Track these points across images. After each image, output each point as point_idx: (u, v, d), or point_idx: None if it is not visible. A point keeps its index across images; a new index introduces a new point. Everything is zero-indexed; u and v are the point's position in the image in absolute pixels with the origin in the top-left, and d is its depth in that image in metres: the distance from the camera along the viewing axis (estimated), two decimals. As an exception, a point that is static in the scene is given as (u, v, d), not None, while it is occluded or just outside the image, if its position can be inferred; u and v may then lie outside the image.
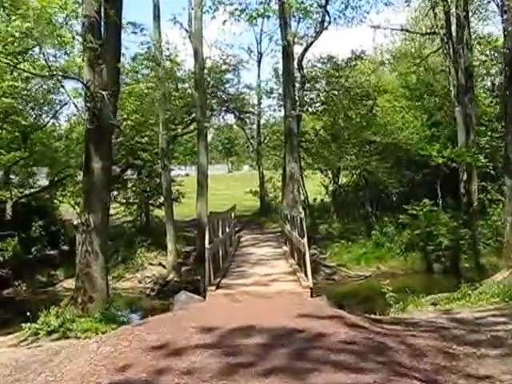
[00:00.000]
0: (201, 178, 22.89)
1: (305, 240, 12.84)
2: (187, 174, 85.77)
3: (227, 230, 19.18)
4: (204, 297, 11.92)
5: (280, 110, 29.04)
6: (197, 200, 22.96)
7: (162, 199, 27.24)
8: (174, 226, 23.85)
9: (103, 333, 10.71)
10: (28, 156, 22.88)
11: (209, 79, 27.91)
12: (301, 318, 8.73)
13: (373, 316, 10.85)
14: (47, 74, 13.97)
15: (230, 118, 38.05)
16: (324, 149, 28.53)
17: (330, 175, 30.22)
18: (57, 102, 24.49)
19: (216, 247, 14.33)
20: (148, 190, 26.51)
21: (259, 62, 35.15)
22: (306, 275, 12.59)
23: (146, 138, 23.36)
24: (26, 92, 22.87)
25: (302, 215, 13.93)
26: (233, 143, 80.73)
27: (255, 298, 11.12)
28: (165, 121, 22.85)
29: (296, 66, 24.48)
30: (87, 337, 10.80)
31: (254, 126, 35.83)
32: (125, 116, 22.00)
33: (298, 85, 25.40)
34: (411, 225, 23.85)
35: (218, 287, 12.22)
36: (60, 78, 14.76)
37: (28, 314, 11.68)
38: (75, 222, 13.73)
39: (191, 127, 28.07)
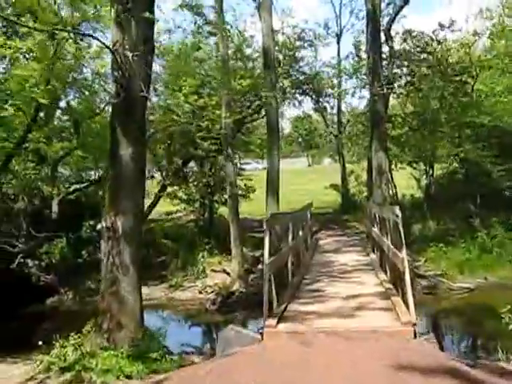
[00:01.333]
0: (270, 172, 19.52)
1: (404, 254, 9.18)
2: (265, 168, 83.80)
3: (301, 232, 15.72)
4: (261, 334, 8.44)
5: (363, 93, 25.11)
6: (266, 198, 19.59)
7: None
8: (242, 226, 20.59)
9: (127, 376, 8.62)
10: (78, 147, 20.13)
11: (280, 57, 24.34)
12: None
13: (502, 365, 7.86)
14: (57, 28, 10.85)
15: (307, 104, 34.40)
16: (415, 136, 24.45)
17: (422, 166, 26.05)
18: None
19: (281, 260, 10.93)
20: (212, 184, 23.27)
21: (338, 39, 31.32)
22: (405, 303, 8.92)
23: (205, 123, 20.17)
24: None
25: (399, 218, 10.17)
26: (313, 134, 76.72)
27: (336, 343, 7.58)
28: (227, 103, 19.58)
29: (383, 37, 20.62)
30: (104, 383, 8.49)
31: (335, 111, 31.89)
32: (182, 98, 18.80)
33: (384, 62, 21.45)
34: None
35: (280, 319, 8.75)
36: (77, 35, 11.61)
37: (40, 342, 9.93)
38: (98, 227, 10.51)
39: (263, 113, 24.70)
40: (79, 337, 9.87)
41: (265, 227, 9.45)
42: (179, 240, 23.44)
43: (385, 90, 19.47)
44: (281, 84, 24.54)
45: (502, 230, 20.70)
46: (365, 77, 23.79)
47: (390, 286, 10.91)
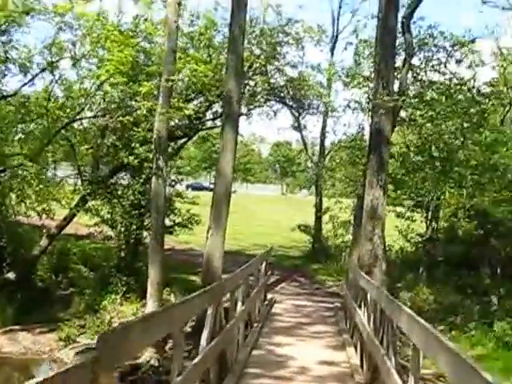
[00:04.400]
0: (218, 195, 13.60)
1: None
2: (234, 191, 77.65)
3: (253, 293, 9.95)
4: None
5: (357, 109, 18.76)
6: (208, 230, 13.62)
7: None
8: (176, 261, 14.68)
9: None
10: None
11: (257, 51, 18.24)
12: None
13: None
14: None
15: (285, 119, 28.29)
16: (416, 176, 18.65)
17: (424, 214, 20.16)
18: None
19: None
20: (143, 204, 16.98)
21: (334, 43, 25.28)
22: None
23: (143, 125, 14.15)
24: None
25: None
26: (291, 162, 70.87)
27: None
28: (166, 93, 13.64)
29: (400, 28, 14.59)
30: None
31: (316, 133, 25.74)
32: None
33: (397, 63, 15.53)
34: None
35: None
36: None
37: None
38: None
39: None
40: None
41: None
42: (96, 269, 18.26)
43: (395, 103, 13.49)
44: (251, 83, 18.44)
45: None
46: (367, 88, 17.73)
47: None
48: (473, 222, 17.69)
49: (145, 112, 14.88)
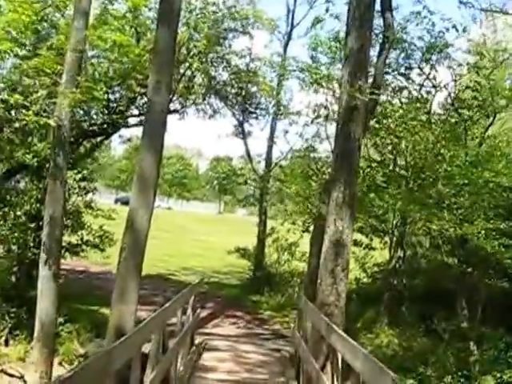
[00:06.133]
0: (136, 206, 10.11)
1: None
2: (169, 208, 73.92)
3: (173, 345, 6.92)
4: None
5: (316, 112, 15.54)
6: (121, 252, 10.19)
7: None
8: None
9: None
10: None
11: (196, 36, 14.82)
12: None
13: None
14: None
15: (227, 122, 24.95)
16: (379, 195, 15.69)
17: (387, 240, 17.19)
18: None
19: None
20: (43, 214, 13.27)
21: (288, 40, 21.94)
22: None
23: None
24: None
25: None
26: (231, 179, 67.46)
27: None
28: (71, 69, 10.20)
29: (379, 5, 11.55)
30: None
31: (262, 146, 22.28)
32: None
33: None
34: None
35: None
36: None
37: None
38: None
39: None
40: None
41: None
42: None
43: (372, 96, 10.40)
44: (188, 73, 15.03)
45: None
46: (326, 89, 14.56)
47: None
48: (455, 252, 14.71)
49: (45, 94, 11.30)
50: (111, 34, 12.02)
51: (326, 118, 16.87)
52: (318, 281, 10.46)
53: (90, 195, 15.92)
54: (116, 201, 54.32)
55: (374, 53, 13.12)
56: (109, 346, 6.89)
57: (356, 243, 17.33)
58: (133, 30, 15.22)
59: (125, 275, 10.05)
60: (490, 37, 19.52)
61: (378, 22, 12.87)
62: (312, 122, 16.59)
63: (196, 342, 11.79)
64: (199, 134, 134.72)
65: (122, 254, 10.17)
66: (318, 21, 16.24)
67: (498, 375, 11.78)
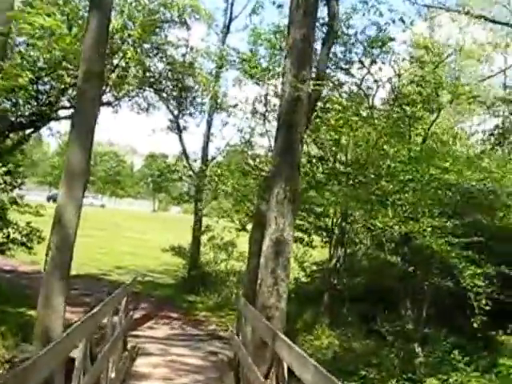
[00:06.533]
0: (64, 203, 9.42)
1: None
2: (103, 206, 72.12)
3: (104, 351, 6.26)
4: None
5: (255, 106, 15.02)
6: (47, 252, 9.59)
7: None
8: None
9: None
10: None
11: (131, 25, 14.03)
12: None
13: None
14: None
15: (161, 115, 24.13)
16: (323, 191, 15.29)
17: (325, 237, 16.90)
18: None
19: None
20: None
21: (226, 33, 21.02)
22: None
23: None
24: None
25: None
26: (165, 177, 66.42)
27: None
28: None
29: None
30: None
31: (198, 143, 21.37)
32: None
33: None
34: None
35: None
36: None
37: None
38: None
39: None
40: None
41: None
42: None
43: (316, 88, 9.92)
44: (122, 63, 14.20)
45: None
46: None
47: None
48: (399, 251, 14.48)
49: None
50: (39, 18, 11.12)
51: (265, 111, 16.44)
52: (258, 281, 9.98)
53: (16, 191, 14.98)
54: (49, 198, 52.32)
55: (317, 46, 12.75)
56: (35, 353, 6.16)
57: (295, 240, 16.96)
58: (64, 17, 14.32)
59: (52, 275, 9.39)
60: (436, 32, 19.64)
61: (320, 14, 12.47)
62: (253, 114, 16.14)
63: (129, 346, 11.10)
64: (132, 131, 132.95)
65: (48, 252, 9.50)
66: (258, 6, 15.65)
67: (444, 377, 11.53)
